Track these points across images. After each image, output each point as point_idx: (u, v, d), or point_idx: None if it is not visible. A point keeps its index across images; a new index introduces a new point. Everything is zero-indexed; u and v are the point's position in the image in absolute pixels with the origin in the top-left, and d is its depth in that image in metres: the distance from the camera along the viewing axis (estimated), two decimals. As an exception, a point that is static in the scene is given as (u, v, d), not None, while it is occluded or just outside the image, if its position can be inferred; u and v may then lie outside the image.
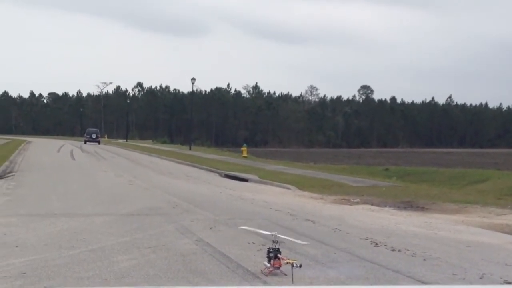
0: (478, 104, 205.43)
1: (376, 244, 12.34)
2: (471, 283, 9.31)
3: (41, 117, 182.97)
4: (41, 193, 22.13)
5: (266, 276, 9.22)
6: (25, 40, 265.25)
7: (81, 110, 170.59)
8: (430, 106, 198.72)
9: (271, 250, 9.29)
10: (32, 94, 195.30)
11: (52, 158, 48.21)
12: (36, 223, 14.43)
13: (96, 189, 23.91)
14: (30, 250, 11.06)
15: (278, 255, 9.23)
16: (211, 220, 15.39)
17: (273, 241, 9.39)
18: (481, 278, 9.60)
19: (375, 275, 9.60)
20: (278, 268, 9.22)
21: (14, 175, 29.83)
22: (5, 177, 28.28)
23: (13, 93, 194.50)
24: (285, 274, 9.04)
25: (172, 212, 16.76)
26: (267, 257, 9.32)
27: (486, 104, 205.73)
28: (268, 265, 9.30)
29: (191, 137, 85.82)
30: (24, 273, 9.23)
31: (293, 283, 8.64)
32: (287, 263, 9.00)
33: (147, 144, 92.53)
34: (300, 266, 8.86)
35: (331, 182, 28.06)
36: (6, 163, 36.49)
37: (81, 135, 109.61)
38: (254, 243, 11.71)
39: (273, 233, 9.67)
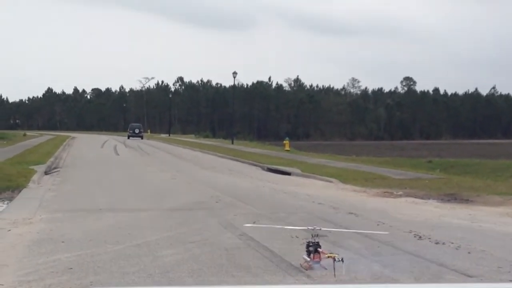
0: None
1: (420, 237, 12.29)
2: (516, 276, 9.23)
3: (85, 113, 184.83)
4: (86, 188, 22.37)
5: (306, 270, 9.23)
6: (68, 37, 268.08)
7: (124, 105, 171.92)
8: (473, 97, 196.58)
9: (311, 244, 9.27)
10: (75, 90, 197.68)
11: (96, 153, 48.69)
12: (82, 219, 14.62)
13: (140, 184, 24.09)
14: (76, 245, 11.20)
15: (318, 249, 9.22)
16: (254, 214, 15.43)
17: (313, 235, 9.39)
18: (527, 271, 9.52)
19: (419, 268, 9.56)
20: (318, 262, 9.20)
21: (59, 170, 30.18)
22: (50, 173, 28.62)
23: (57, 89, 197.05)
24: (325, 268, 9.01)
25: (215, 207, 16.84)
26: (307, 251, 9.31)
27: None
28: (308, 259, 9.29)
29: (233, 131, 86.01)
30: (71, 268, 9.37)
31: (335, 277, 8.63)
32: (328, 257, 8.98)
33: (190, 138, 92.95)
34: (342, 260, 8.83)
35: (373, 175, 27.92)
36: (52, 159, 36.91)
37: (124, 130, 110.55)
38: (297, 237, 11.71)
39: (314, 227, 9.65)
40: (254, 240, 11.72)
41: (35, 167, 28.89)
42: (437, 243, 11.66)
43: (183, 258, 10.10)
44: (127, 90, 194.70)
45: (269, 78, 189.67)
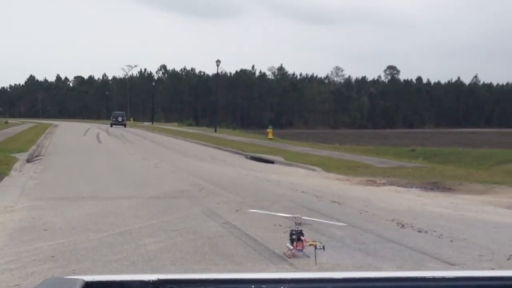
0: (505, 84, 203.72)
1: (403, 225, 12.32)
2: (498, 264, 9.26)
3: (67, 101, 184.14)
4: (69, 176, 22.27)
5: (289, 258, 9.24)
6: (50, 24, 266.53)
7: (107, 93, 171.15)
8: (456, 86, 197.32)
9: (294, 232, 9.28)
10: (58, 77, 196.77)
11: (78, 141, 48.50)
12: (64, 207, 14.53)
13: (123, 172, 24.02)
14: (58, 233, 11.14)
15: (301, 237, 9.23)
16: (237, 202, 15.40)
17: (296, 223, 9.40)
18: (508, 259, 9.55)
19: (402, 256, 9.59)
20: (301, 250, 9.22)
21: (41, 158, 30.03)
22: (32, 161, 28.46)
23: (39, 77, 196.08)
24: (308, 256, 9.04)
25: (198, 195, 16.80)
26: (290, 239, 9.33)
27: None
28: (291, 247, 9.30)
29: (217, 119, 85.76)
30: (53, 257, 9.31)
31: (316, 264, 8.64)
32: (310, 245, 9.00)
33: (173, 126, 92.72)
34: (323, 248, 8.86)
35: (357, 164, 27.95)
36: (34, 147, 36.71)
37: (107, 118, 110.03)
38: (280, 225, 11.72)
39: (296, 215, 9.65)
40: (237, 228, 11.71)
41: (17, 155, 28.71)
42: (419, 231, 11.69)
43: (166, 246, 10.07)
44: (110, 78, 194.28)
45: (253, 67, 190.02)
